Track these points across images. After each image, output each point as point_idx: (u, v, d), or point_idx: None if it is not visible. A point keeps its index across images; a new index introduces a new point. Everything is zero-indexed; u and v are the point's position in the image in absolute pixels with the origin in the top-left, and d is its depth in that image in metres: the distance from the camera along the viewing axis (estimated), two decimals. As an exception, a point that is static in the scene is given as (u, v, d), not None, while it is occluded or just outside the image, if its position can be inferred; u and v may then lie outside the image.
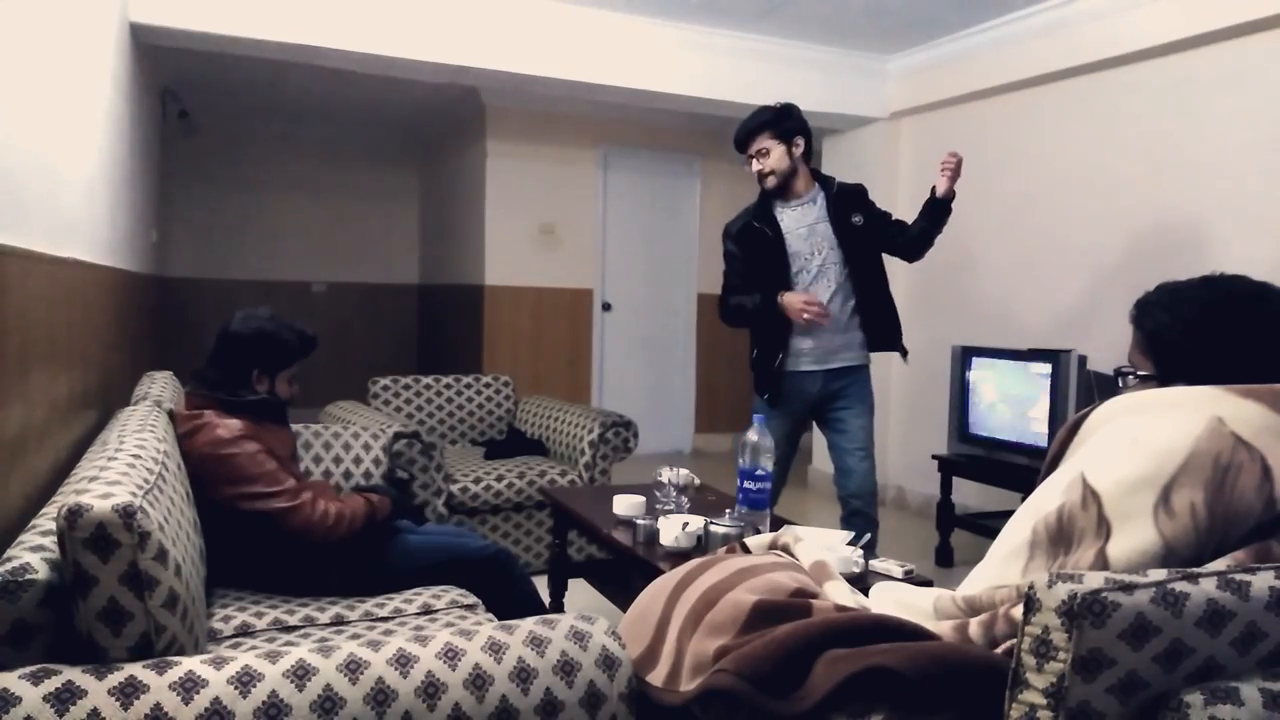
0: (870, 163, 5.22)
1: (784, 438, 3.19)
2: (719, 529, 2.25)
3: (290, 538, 2.17)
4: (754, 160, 3.20)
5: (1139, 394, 1.38)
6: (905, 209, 5.21)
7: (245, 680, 1.14)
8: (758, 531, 2.29)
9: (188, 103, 6.16)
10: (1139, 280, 1.59)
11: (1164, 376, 1.41)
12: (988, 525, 3.97)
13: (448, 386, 4.38)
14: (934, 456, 4.26)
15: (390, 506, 2.39)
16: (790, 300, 3.05)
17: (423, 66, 4.29)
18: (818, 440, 4.66)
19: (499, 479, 3.62)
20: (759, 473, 2.43)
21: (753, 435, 2.44)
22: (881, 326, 3.24)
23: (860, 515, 3.17)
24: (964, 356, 4.16)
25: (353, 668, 1.18)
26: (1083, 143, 4.20)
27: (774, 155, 3.17)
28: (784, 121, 3.19)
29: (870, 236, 3.19)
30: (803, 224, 3.18)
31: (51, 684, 1.07)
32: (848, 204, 3.20)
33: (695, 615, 1.47)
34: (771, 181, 3.18)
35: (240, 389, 2.30)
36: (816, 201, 3.20)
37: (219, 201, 7.31)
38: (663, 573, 1.73)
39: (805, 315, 3.02)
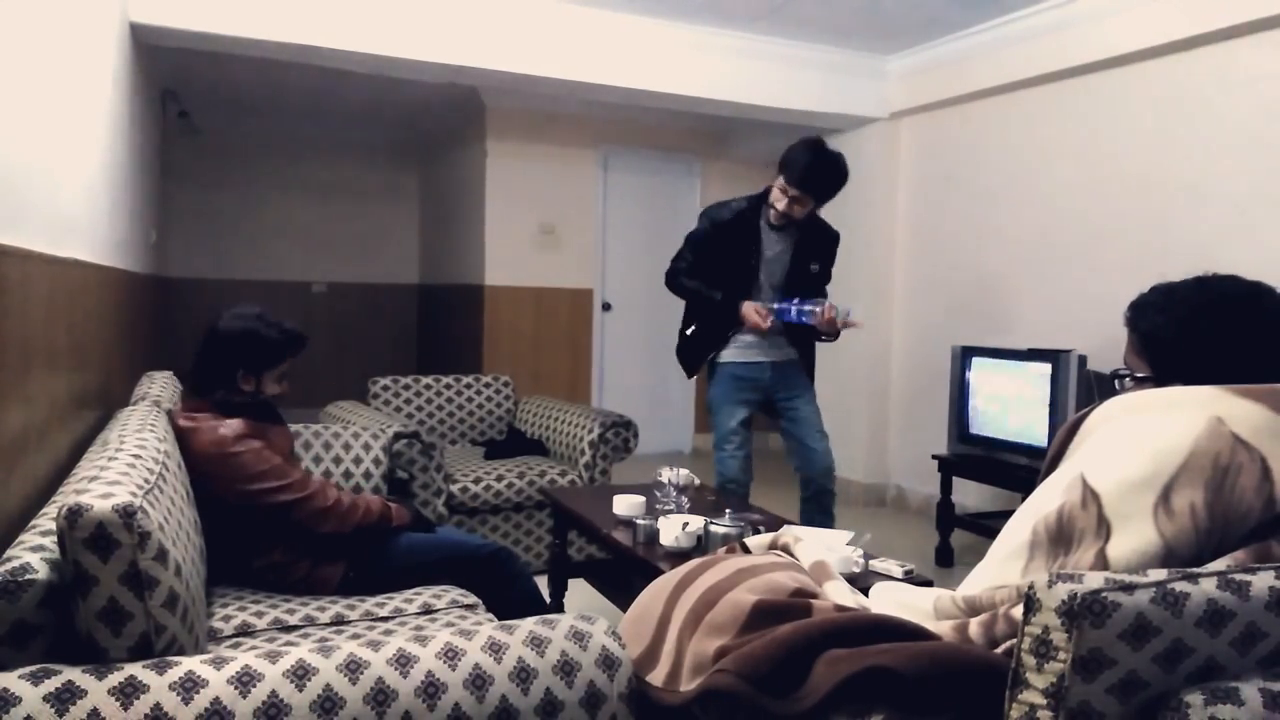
0: (870, 163, 5.22)
1: (741, 424, 3.43)
2: (719, 529, 2.25)
3: (302, 529, 2.18)
4: (792, 202, 3.23)
5: (1138, 394, 1.38)
6: (905, 209, 5.26)
7: (245, 680, 1.13)
8: (757, 531, 2.29)
9: (188, 103, 6.16)
10: (1138, 280, 1.59)
11: (1160, 378, 1.41)
12: (988, 525, 3.97)
13: (448, 386, 4.37)
14: (934, 456, 4.26)
15: (408, 519, 2.39)
16: (748, 310, 3.29)
17: (423, 66, 4.29)
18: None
19: (499, 479, 3.62)
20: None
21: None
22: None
23: (825, 492, 3.46)
24: (964, 356, 4.16)
25: (353, 668, 1.18)
26: (1082, 142, 4.20)
27: (807, 209, 3.28)
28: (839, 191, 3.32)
29: (815, 283, 3.45)
30: (775, 249, 3.39)
31: (51, 684, 1.07)
32: (814, 249, 3.43)
33: (695, 615, 1.47)
34: (782, 221, 3.32)
35: (226, 388, 2.27)
36: (792, 237, 3.39)
37: (219, 201, 7.31)
38: (663, 573, 1.73)
39: (754, 324, 3.28)
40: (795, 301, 3.25)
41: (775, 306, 3.27)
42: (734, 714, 1.32)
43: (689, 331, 3.51)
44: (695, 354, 3.52)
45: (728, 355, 3.43)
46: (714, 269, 3.36)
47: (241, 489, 2.13)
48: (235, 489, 2.13)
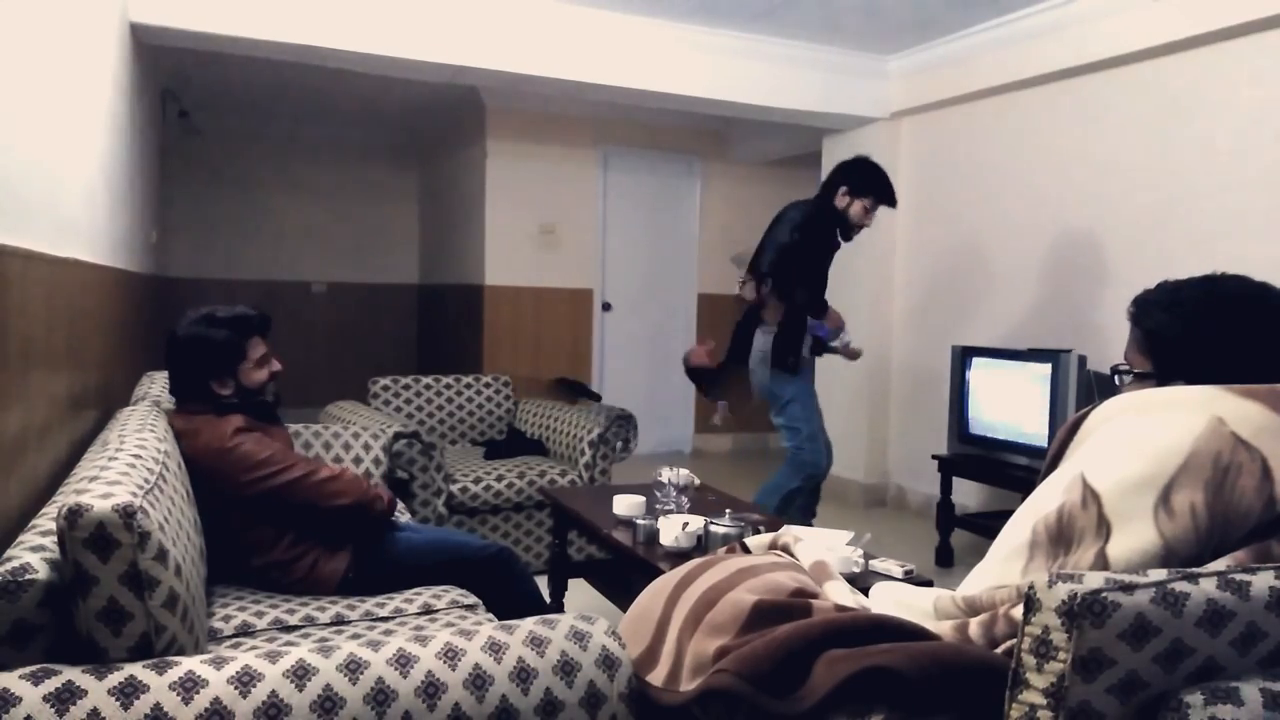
0: (870, 163, 5.21)
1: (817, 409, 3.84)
2: (719, 529, 2.25)
3: (311, 514, 2.19)
4: (870, 215, 3.82)
5: (1139, 393, 1.38)
6: (905, 208, 5.24)
7: (245, 680, 1.14)
8: (757, 531, 2.30)
9: (188, 103, 6.16)
10: (1139, 280, 1.59)
11: (1162, 375, 1.41)
12: (988, 525, 3.97)
13: (448, 386, 4.38)
14: (934, 456, 4.26)
15: (391, 500, 2.39)
16: (834, 314, 3.84)
17: (423, 66, 4.29)
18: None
19: (499, 479, 3.62)
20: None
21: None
22: None
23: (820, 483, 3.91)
24: (964, 356, 4.16)
25: (353, 668, 1.18)
26: (1082, 142, 4.20)
27: None
28: None
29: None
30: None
31: (51, 684, 1.07)
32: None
33: (695, 615, 1.47)
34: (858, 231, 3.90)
35: (204, 398, 2.24)
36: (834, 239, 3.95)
37: (219, 201, 7.30)
38: (663, 573, 1.73)
39: (839, 323, 3.83)
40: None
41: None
42: (734, 714, 1.32)
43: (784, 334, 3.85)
44: (793, 351, 3.78)
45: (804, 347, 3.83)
46: (817, 266, 3.81)
47: (247, 479, 2.13)
48: (240, 480, 2.13)
